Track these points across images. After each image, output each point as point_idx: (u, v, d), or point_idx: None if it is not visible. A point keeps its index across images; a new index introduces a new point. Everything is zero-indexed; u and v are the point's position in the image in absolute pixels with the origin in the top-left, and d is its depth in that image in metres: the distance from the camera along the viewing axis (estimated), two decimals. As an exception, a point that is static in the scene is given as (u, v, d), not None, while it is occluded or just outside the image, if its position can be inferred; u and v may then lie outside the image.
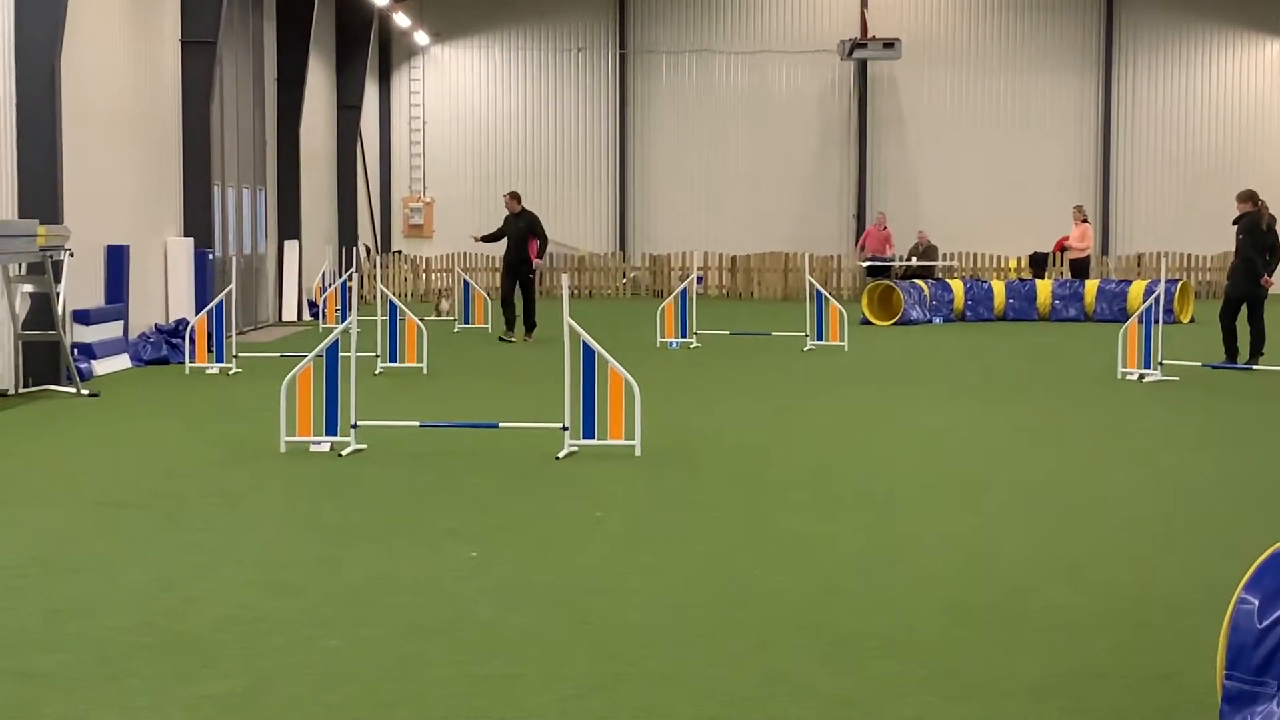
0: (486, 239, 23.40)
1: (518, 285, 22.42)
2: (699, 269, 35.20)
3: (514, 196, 22.75)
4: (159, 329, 20.18)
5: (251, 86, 26.15)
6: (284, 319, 28.19)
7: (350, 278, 22.63)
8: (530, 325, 22.40)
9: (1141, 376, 16.71)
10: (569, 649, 6.20)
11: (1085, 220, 30.84)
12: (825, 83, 37.86)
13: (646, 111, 37.98)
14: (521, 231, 22.31)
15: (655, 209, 38.02)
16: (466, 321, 25.07)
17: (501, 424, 12.22)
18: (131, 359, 18.81)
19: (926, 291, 27.03)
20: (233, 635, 6.39)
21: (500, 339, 22.36)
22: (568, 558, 7.99)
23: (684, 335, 21.79)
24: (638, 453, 11.23)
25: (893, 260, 33.98)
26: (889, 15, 37.25)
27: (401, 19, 35.37)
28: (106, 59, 19.13)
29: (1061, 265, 32.32)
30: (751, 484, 10.35)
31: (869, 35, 36.37)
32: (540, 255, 22.63)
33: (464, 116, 37.96)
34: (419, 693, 5.61)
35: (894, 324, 25.95)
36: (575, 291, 35.50)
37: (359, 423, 11.60)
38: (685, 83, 37.90)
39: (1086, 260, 30.58)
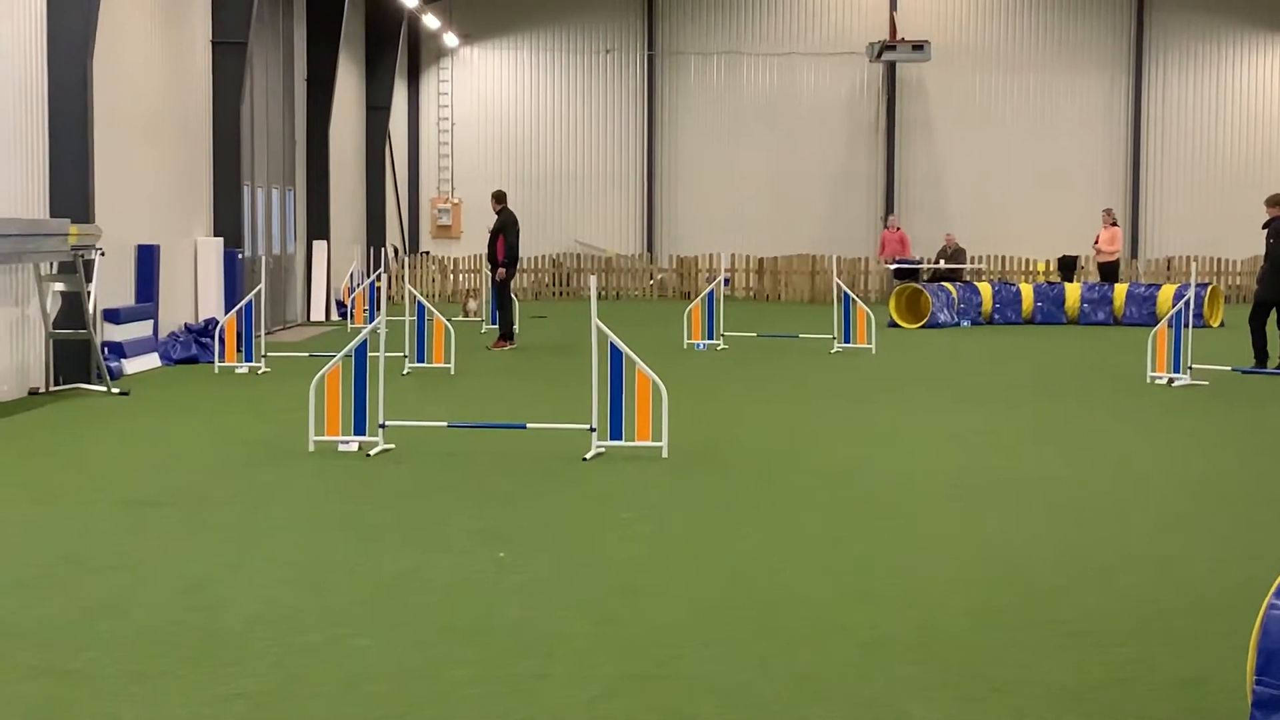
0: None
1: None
2: (726, 271, 35.20)
3: (494, 197, 21.92)
4: (189, 328, 20.28)
5: (281, 87, 26.26)
6: (312, 319, 28.30)
7: (378, 278, 22.71)
8: (500, 332, 21.47)
9: (1171, 380, 16.64)
10: (597, 650, 6.21)
11: (1114, 223, 30.74)
12: (854, 85, 37.83)
13: (674, 113, 38.00)
14: (493, 232, 21.58)
15: (683, 211, 38.03)
16: (494, 322, 25.09)
17: (529, 425, 12.23)
18: (161, 358, 18.91)
19: (954, 294, 26.96)
20: (262, 634, 6.42)
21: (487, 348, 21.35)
22: (595, 559, 8.00)
23: (711, 337, 21.79)
24: (665, 454, 11.24)
25: (917, 261, 33.93)
26: (918, 17, 37.19)
27: (431, 20, 35.47)
28: (138, 60, 19.23)
29: (1090, 268, 32.22)
30: (779, 486, 10.35)
31: (898, 37, 36.33)
32: (506, 260, 21.31)
33: (492, 118, 38.04)
34: (447, 692, 5.63)
35: (921, 327, 25.90)
36: (603, 293, 35.52)
37: (387, 422, 11.64)
38: (713, 84, 37.91)
39: (1115, 263, 30.47)
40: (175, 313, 20.41)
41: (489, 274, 22.42)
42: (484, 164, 37.89)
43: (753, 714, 5.41)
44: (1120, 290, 27.69)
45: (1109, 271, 30.16)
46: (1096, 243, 30.40)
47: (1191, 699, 5.62)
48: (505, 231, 21.49)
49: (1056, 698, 5.60)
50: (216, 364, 18.18)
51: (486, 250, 22.00)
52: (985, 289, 27.71)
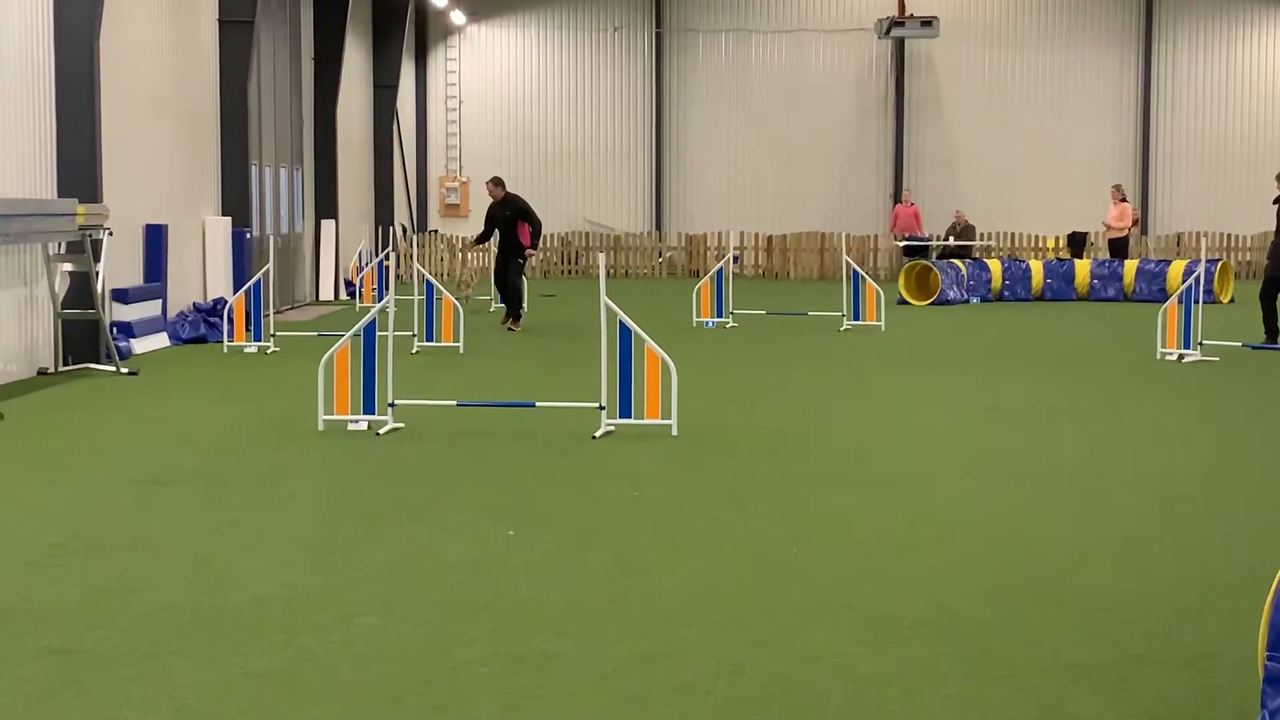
0: (480, 240, 21.67)
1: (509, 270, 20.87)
2: (735, 249, 35.15)
3: (496, 182, 21.10)
4: (197, 308, 20.29)
5: (289, 66, 26.20)
6: (321, 298, 28.30)
7: (387, 257, 22.70)
8: (516, 312, 20.94)
9: (1181, 357, 16.61)
10: (607, 627, 6.21)
11: (1124, 199, 30.66)
12: (862, 61, 37.71)
13: (683, 91, 37.91)
14: (510, 219, 20.73)
15: (691, 188, 37.97)
16: (502, 301, 25.06)
17: (538, 403, 12.24)
18: (170, 338, 18.93)
19: (964, 271, 26.92)
20: (272, 613, 6.42)
21: (509, 329, 20.74)
22: (605, 537, 8.00)
23: (720, 315, 21.77)
24: (674, 432, 11.23)
25: (927, 238, 33.87)
26: (926, -7, 37.07)
27: (438, -2, 35.39)
28: (145, 39, 19.20)
29: (1101, 244, 32.16)
30: (788, 464, 10.34)
31: (906, 13, 36.21)
32: (535, 243, 20.83)
33: (500, 96, 37.98)
34: (457, 670, 5.63)
35: (931, 304, 25.86)
36: (611, 271, 35.49)
37: (396, 401, 11.64)
38: (722, 62, 37.81)
39: (1125, 240, 30.39)
40: (183, 292, 20.41)
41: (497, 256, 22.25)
42: (492, 142, 37.85)
43: (764, 691, 5.41)
44: (1130, 266, 27.63)
45: (1119, 248, 30.08)
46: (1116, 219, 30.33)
47: (1202, 675, 5.60)
48: (525, 214, 20.74)
49: (1067, 675, 5.59)
50: (225, 343, 18.19)
51: (505, 241, 20.98)
52: (995, 266, 27.66)
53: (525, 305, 21.87)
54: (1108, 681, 5.52)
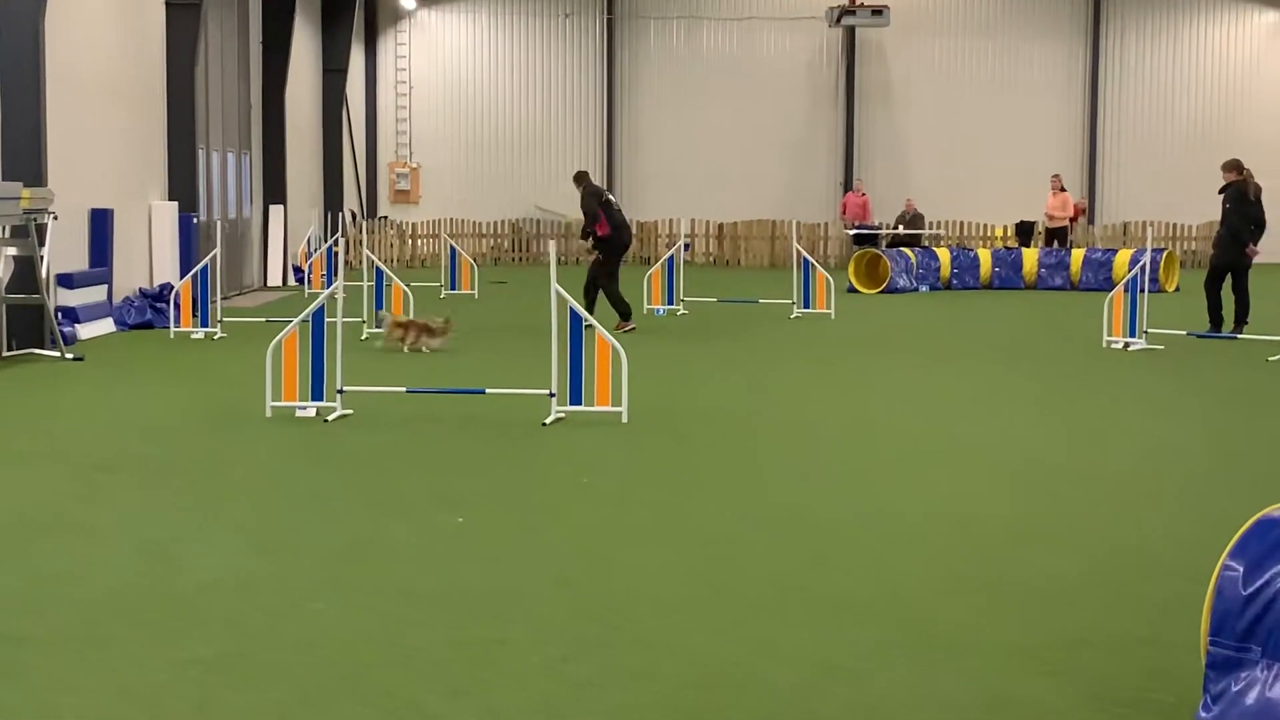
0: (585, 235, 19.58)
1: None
2: (686, 236, 35.16)
3: (577, 179, 19.54)
4: (143, 293, 20.12)
5: (236, 50, 26.01)
6: (269, 284, 28.12)
7: (336, 243, 22.59)
8: (620, 312, 18.87)
9: (1126, 345, 16.75)
10: (555, 613, 6.21)
11: (1063, 189, 30.94)
12: (813, 49, 37.76)
13: (634, 77, 37.86)
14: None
15: (642, 176, 37.93)
16: (453, 288, 25.03)
17: (488, 390, 12.21)
18: (115, 323, 18.77)
19: (913, 260, 27.04)
20: (218, 598, 6.39)
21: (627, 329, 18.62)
22: (554, 523, 8.00)
23: (671, 302, 21.78)
24: (624, 419, 11.24)
25: (876, 226, 34.01)
26: (877, -18, 37.13)
27: (388, -17, 35.17)
28: (91, 22, 19.01)
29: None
30: (738, 451, 10.36)
31: (857, 2, 36.27)
32: (585, 234, 19.24)
33: (450, 82, 37.81)
34: (405, 656, 5.62)
35: (880, 292, 25.97)
36: (562, 258, 35.43)
37: (344, 388, 11.59)
38: (673, 48, 37.77)
39: (1064, 229, 30.69)
40: (129, 277, 20.24)
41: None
42: (442, 128, 37.69)
43: (712, 675, 5.42)
44: (1077, 255, 27.83)
45: (1059, 236, 30.38)
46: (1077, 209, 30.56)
47: (1146, 658, 5.66)
48: (585, 210, 19.16)
49: (1010, 658, 5.64)
50: (172, 329, 18.06)
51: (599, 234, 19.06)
52: (944, 254, 27.80)
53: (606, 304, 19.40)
54: (1051, 664, 5.57)
